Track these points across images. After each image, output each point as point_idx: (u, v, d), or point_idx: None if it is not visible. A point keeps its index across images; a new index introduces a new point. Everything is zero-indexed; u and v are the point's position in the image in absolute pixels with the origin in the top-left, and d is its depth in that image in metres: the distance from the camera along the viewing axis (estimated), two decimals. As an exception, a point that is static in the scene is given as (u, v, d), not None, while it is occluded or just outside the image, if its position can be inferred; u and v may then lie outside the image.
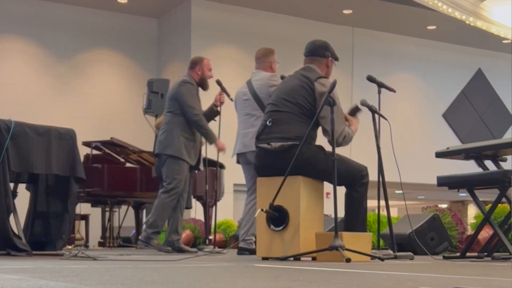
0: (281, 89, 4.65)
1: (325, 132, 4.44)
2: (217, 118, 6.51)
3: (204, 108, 6.40)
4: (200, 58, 6.41)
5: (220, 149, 6.23)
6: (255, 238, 5.44)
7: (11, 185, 4.81)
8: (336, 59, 4.78)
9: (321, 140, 4.56)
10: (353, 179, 4.46)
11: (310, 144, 4.41)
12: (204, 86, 6.34)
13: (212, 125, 6.54)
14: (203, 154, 7.08)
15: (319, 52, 4.70)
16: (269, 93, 5.45)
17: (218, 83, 6.35)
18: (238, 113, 5.74)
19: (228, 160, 5.93)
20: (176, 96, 6.18)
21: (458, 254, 5.21)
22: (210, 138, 6.17)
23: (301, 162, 4.25)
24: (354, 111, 4.77)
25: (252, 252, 5.43)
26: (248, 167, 5.61)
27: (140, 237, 6.21)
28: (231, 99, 6.21)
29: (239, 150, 5.60)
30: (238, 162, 5.73)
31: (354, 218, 4.48)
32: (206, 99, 6.57)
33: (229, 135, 5.87)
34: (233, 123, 5.85)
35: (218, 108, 6.42)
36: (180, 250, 6.13)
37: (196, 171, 6.91)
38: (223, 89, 6.36)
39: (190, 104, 6.11)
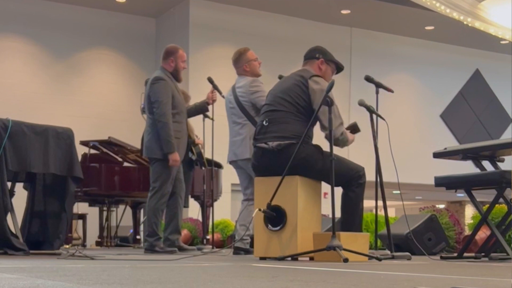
0: (277, 89, 4.66)
1: (323, 127, 4.44)
2: (209, 113, 6.46)
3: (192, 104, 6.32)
4: (175, 48, 6.09)
5: (170, 162, 5.77)
6: (251, 238, 5.47)
7: (9, 184, 4.81)
8: (336, 64, 4.76)
9: (318, 139, 4.56)
10: (349, 179, 4.47)
11: (308, 144, 4.41)
12: (178, 78, 6.01)
13: (207, 125, 6.54)
14: (203, 153, 7.08)
15: (310, 55, 4.75)
16: (251, 100, 5.45)
17: (210, 80, 6.29)
18: (227, 120, 5.73)
19: (226, 160, 5.93)
20: (150, 94, 5.86)
21: (455, 254, 5.22)
22: (166, 146, 5.75)
23: (298, 162, 4.26)
24: (353, 130, 4.75)
25: (248, 252, 5.45)
26: (240, 172, 5.67)
27: (145, 248, 6.03)
28: (223, 96, 6.17)
29: (230, 159, 5.65)
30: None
31: (351, 218, 4.48)
32: (200, 98, 6.54)
33: (224, 135, 5.86)
34: (227, 123, 5.82)
35: (210, 106, 6.35)
36: (181, 249, 6.12)
37: (203, 168, 6.87)
38: (215, 87, 6.27)
39: (160, 104, 5.77)
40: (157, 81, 5.87)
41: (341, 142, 4.53)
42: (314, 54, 4.72)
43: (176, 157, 5.79)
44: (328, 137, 4.20)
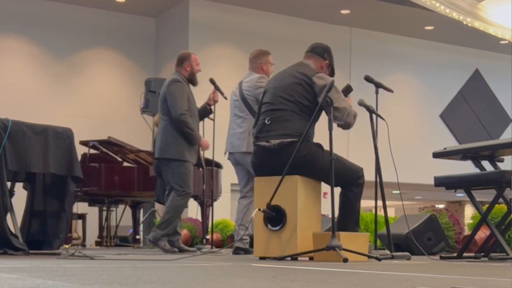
0: (276, 87, 4.61)
1: (335, 118, 4.38)
2: (211, 116, 6.51)
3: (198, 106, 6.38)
4: (187, 54, 6.31)
5: (205, 147, 6.21)
6: (250, 238, 5.48)
7: (8, 184, 4.81)
8: (333, 70, 4.76)
9: (319, 138, 4.55)
10: (349, 179, 4.47)
11: (309, 142, 4.41)
12: (194, 82, 6.24)
13: (207, 124, 6.55)
14: (202, 154, 7.09)
15: (318, 51, 4.71)
16: (255, 95, 5.49)
17: (212, 81, 6.35)
18: (230, 113, 5.81)
19: (225, 159, 5.94)
20: (166, 95, 6.06)
21: (455, 254, 5.22)
22: (194, 139, 6.06)
23: (299, 160, 4.25)
24: (346, 91, 4.76)
25: (247, 251, 5.46)
26: (238, 169, 5.70)
27: (149, 237, 6.11)
28: (225, 97, 6.21)
29: (228, 150, 5.72)
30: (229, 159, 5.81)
31: (347, 217, 4.49)
32: (201, 98, 6.56)
33: (224, 134, 5.89)
34: (227, 122, 5.86)
35: (212, 107, 6.42)
36: (180, 250, 6.14)
37: (200, 169, 6.95)
38: (217, 88, 6.35)
39: (177, 104, 5.99)
40: (173, 83, 6.09)
41: (354, 121, 4.50)
42: (323, 54, 4.70)
43: (206, 142, 6.17)
44: (329, 137, 4.19)
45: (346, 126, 4.49)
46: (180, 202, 6.06)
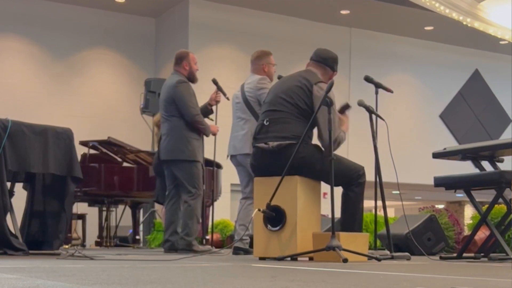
0: (278, 88, 4.63)
1: (319, 137, 4.43)
2: (212, 116, 6.52)
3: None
4: (185, 53, 6.29)
5: (216, 133, 6.30)
6: (250, 238, 5.48)
7: (8, 184, 4.81)
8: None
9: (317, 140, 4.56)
10: (349, 179, 4.47)
11: (308, 144, 4.41)
12: (193, 80, 6.21)
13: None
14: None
15: (328, 62, 4.66)
16: (257, 96, 5.50)
17: (214, 82, 6.35)
18: (232, 115, 5.82)
19: (225, 160, 5.95)
20: (174, 97, 6.03)
21: (454, 254, 5.22)
22: (207, 131, 6.17)
23: (298, 162, 4.25)
24: (344, 109, 4.76)
25: (247, 252, 5.46)
26: (240, 170, 5.70)
27: (179, 246, 5.99)
28: (227, 98, 6.22)
29: (230, 153, 5.71)
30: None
31: (351, 218, 4.49)
32: (201, 98, 6.56)
33: (225, 135, 5.89)
34: (229, 123, 5.87)
35: (213, 107, 6.43)
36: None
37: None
38: (219, 88, 6.36)
39: (190, 104, 6.00)
40: (180, 84, 6.06)
41: (337, 147, 4.48)
42: (332, 65, 4.67)
43: (214, 127, 6.28)
44: (328, 137, 4.19)
45: (323, 144, 4.43)
46: (196, 204, 6.05)
